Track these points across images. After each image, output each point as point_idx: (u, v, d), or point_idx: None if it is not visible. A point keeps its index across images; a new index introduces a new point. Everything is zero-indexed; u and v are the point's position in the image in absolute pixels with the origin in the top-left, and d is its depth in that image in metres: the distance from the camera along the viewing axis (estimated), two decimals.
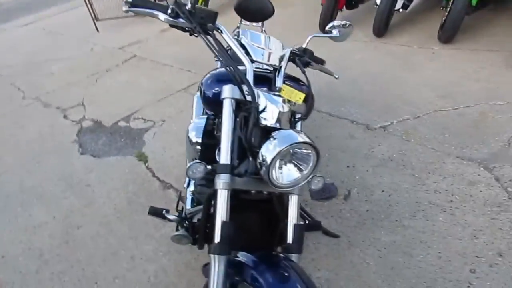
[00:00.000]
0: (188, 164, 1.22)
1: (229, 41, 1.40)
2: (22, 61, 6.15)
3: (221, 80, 1.49)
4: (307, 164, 1.26)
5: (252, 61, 1.45)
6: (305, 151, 1.24)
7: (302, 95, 1.34)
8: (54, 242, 2.46)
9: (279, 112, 1.29)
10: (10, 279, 2.28)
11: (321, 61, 1.75)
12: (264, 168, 1.18)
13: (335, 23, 1.72)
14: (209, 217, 1.41)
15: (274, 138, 1.20)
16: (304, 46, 1.64)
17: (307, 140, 1.21)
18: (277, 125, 1.29)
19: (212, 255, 1.20)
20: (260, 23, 2.68)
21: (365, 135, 2.80)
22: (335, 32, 1.71)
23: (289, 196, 1.37)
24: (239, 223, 1.50)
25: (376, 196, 2.27)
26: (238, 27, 2.69)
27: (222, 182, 1.23)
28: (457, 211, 2.06)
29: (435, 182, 2.28)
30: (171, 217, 1.61)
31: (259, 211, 1.48)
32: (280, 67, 1.44)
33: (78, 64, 5.58)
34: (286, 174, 1.24)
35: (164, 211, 1.64)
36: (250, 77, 1.35)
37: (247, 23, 2.58)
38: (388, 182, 2.35)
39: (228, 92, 1.29)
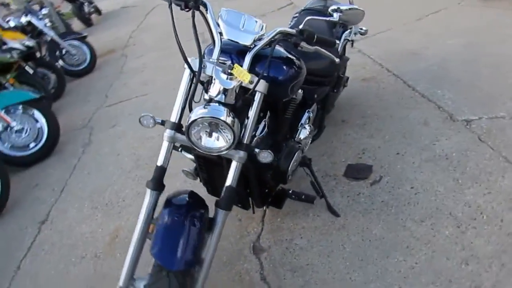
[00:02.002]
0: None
1: (209, 18, 1.60)
2: None
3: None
4: (228, 139, 1.44)
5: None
6: (224, 128, 1.42)
7: (248, 77, 1.46)
8: (148, 154, 3.16)
9: (222, 87, 1.46)
10: (113, 173, 3.09)
11: (327, 43, 1.74)
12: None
13: (342, 6, 1.66)
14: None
15: (204, 108, 1.43)
16: (300, 27, 1.67)
17: (225, 119, 1.39)
18: (221, 98, 1.48)
19: (147, 188, 1.56)
20: None
21: (441, 125, 2.53)
22: (335, 16, 1.67)
23: (232, 161, 1.56)
24: (205, 175, 1.81)
25: (402, 190, 2.16)
26: None
27: (165, 135, 1.55)
28: (470, 231, 1.83)
29: (473, 194, 2.01)
30: (187, 155, 1.99)
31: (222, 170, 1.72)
32: (254, 46, 1.56)
33: (244, 6, 6.16)
34: (207, 140, 1.46)
35: (182, 150, 2.03)
36: (216, 51, 1.55)
37: None
38: (424, 180, 2.17)
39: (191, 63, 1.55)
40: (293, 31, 1.64)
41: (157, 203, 1.57)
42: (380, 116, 2.80)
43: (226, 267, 2.00)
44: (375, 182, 2.27)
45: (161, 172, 1.56)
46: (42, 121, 3.59)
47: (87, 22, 9.09)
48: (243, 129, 1.55)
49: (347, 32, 2.54)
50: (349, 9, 1.67)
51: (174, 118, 1.57)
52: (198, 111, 1.43)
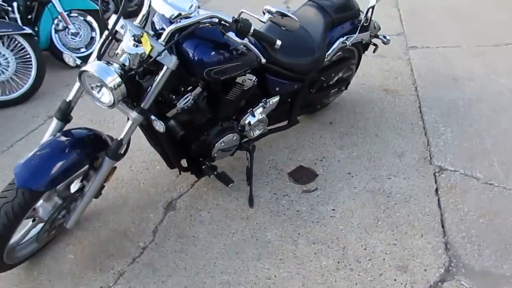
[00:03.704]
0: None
1: None
2: None
3: None
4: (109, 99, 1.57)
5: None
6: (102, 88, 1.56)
7: (149, 48, 1.55)
8: None
9: (123, 49, 1.59)
10: None
11: (265, 40, 1.71)
12: None
13: (281, 10, 1.61)
14: None
15: (100, 63, 1.57)
16: (236, 17, 1.66)
17: (107, 81, 1.51)
18: (124, 60, 1.60)
19: (54, 117, 1.79)
20: None
21: (412, 163, 2.37)
22: (265, 16, 1.63)
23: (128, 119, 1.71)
24: None
25: (322, 208, 2.13)
26: None
27: (80, 73, 1.72)
28: (344, 271, 1.79)
29: (379, 240, 1.92)
30: None
31: None
32: (178, 22, 1.63)
33: None
34: (100, 94, 1.61)
35: None
36: (140, 15, 1.70)
37: None
38: (349, 208, 2.11)
39: (110, 20, 1.68)
40: (229, 19, 1.65)
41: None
42: (367, 131, 2.68)
43: (137, 209, 2.21)
44: (308, 191, 2.26)
45: (66, 106, 1.77)
46: (97, 31, 4.01)
47: None
48: (145, 95, 1.66)
49: (350, 37, 2.40)
50: (284, 15, 1.62)
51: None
52: (92, 64, 1.57)
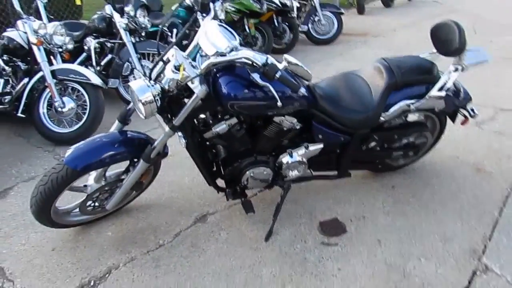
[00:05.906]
0: None
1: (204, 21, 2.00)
2: None
3: None
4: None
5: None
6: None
7: (181, 75, 1.84)
8: None
9: (165, 73, 1.91)
10: None
11: (288, 85, 1.83)
12: None
13: (297, 62, 1.71)
14: None
15: (142, 80, 1.92)
16: (269, 61, 1.81)
17: (141, 98, 1.84)
18: (165, 83, 1.93)
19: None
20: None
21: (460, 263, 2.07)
22: (283, 64, 1.73)
23: None
24: None
25: (328, 266, 2.05)
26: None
27: (128, 85, 2.11)
28: None
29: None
30: None
31: None
32: (206, 56, 1.89)
33: None
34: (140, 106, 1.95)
35: None
36: (189, 48, 2.01)
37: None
38: (357, 273, 1.98)
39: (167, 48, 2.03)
40: (259, 61, 1.83)
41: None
42: (426, 206, 2.44)
43: (176, 213, 2.50)
44: (327, 244, 2.20)
45: (125, 111, 2.16)
46: None
47: (387, 3, 9.51)
48: (177, 114, 1.95)
49: (417, 101, 2.26)
50: (298, 66, 1.72)
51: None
52: (136, 81, 1.92)
